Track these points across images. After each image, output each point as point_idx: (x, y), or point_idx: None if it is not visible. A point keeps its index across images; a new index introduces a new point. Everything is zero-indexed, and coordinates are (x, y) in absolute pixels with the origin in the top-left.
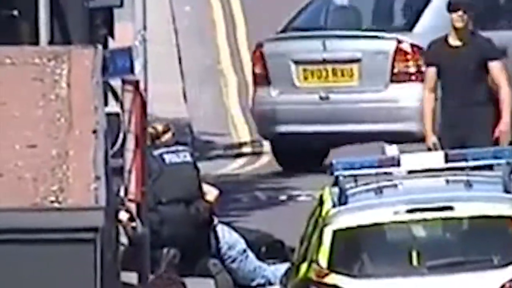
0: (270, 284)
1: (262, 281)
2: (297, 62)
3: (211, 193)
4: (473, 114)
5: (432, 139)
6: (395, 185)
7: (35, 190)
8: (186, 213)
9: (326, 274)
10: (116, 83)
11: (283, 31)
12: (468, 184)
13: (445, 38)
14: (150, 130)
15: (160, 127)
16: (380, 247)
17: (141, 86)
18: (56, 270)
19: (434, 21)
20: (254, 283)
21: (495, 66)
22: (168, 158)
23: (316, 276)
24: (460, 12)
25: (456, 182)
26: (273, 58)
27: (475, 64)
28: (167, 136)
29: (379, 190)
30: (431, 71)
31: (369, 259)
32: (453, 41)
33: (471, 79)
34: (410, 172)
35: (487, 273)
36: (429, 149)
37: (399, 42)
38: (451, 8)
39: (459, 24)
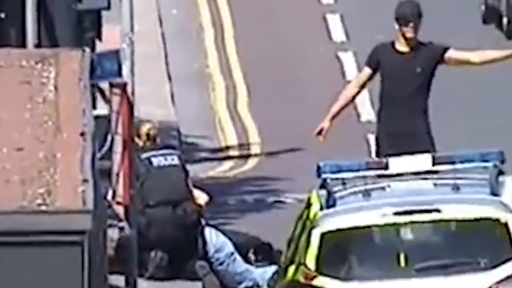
0: (258, 286)
1: (249, 283)
2: None
3: (201, 198)
4: (411, 124)
5: (322, 124)
6: (383, 188)
7: (22, 193)
8: (173, 215)
9: (314, 277)
10: (103, 85)
11: None
12: (456, 187)
13: (392, 44)
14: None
15: (146, 130)
16: (368, 250)
17: (128, 89)
18: (44, 273)
19: None
20: (241, 286)
21: (452, 51)
22: (155, 161)
23: (304, 278)
24: (411, 24)
25: (443, 185)
26: None
27: (422, 67)
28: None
29: (366, 193)
30: (367, 71)
31: (357, 261)
32: (400, 47)
33: (415, 85)
34: (398, 175)
35: (474, 275)
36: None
37: None
38: (401, 22)
39: (410, 35)
